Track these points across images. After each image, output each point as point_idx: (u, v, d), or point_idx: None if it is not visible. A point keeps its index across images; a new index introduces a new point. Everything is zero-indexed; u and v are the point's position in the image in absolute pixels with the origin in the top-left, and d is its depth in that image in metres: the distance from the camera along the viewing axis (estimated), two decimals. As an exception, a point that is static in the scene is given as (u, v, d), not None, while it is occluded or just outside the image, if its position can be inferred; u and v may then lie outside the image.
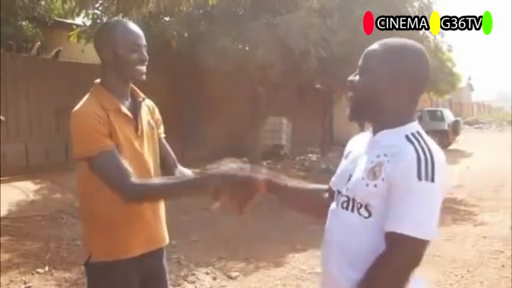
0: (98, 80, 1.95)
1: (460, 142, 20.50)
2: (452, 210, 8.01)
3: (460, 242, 6.00)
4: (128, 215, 1.83)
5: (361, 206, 1.38)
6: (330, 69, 10.44)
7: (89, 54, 10.30)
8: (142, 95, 2.01)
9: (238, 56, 9.35)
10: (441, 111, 21.41)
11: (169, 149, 2.11)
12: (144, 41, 1.91)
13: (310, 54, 8.99)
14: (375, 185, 1.34)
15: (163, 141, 2.09)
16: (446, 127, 19.81)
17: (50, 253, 5.22)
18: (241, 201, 1.64)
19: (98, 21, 9.84)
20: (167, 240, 2.06)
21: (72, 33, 10.43)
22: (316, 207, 1.65)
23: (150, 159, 1.94)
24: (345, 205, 1.44)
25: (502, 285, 4.61)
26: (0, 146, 8.97)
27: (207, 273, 4.71)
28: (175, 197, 1.98)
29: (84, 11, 8.81)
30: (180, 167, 2.09)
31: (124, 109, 1.88)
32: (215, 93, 12.62)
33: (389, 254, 1.29)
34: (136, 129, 1.91)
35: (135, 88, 2.00)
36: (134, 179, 1.74)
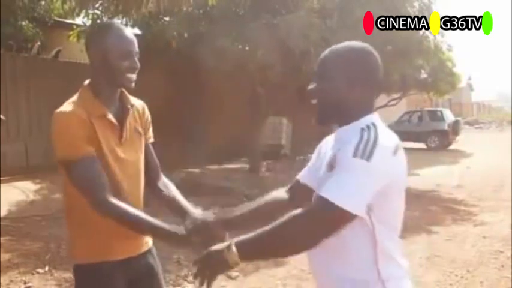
0: (87, 82, 1.88)
1: (460, 142, 20.50)
2: (452, 210, 8.01)
3: (460, 242, 6.00)
4: (108, 220, 1.78)
5: None
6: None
7: (88, 54, 10.31)
8: (132, 102, 1.93)
9: (238, 56, 9.35)
10: (441, 111, 21.42)
11: (154, 155, 2.05)
12: (136, 48, 1.84)
13: (310, 55, 8.98)
14: (331, 176, 1.42)
15: (150, 146, 2.04)
16: (446, 127, 19.82)
17: (50, 253, 5.22)
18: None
19: (98, 21, 9.84)
20: (150, 243, 2.02)
21: (71, 33, 10.43)
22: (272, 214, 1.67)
23: (133, 167, 1.90)
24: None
25: (502, 285, 4.61)
26: (0, 146, 8.97)
27: (207, 273, 4.71)
28: (139, 233, 1.86)
29: (84, 11, 8.81)
30: (163, 179, 2.05)
31: (109, 116, 1.82)
32: (215, 94, 12.62)
33: (306, 211, 1.37)
34: (120, 137, 1.85)
35: (125, 93, 1.92)
36: (108, 195, 1.71)
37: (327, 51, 1.55)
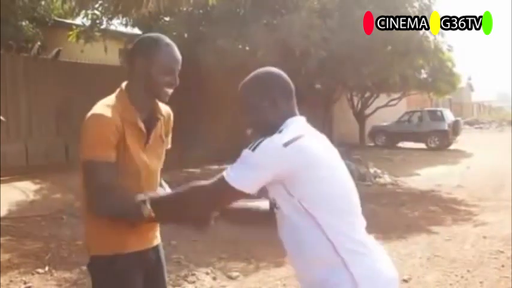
0: (124, 84, 1.95)
1: (460, 142, 20.50)
2: (452, 210, 8.01)
3: (460, 242, 6.00)
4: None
5: (274, 202, 1.69)
6: (330, 70, 10.45)
7: (88, 54, 10.32)
8: (162, 113, 2.01)
9: (238, 56, 9.36)
10: (441, 112, 21.41)
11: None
12: (179, 66, 1.92)
13: (310, 55, 9.00)
14: None
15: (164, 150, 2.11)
16: (446, 127, 19.82)
17: (50, 253, 5.22)
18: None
19: (98, 21, 9.85)
20: (159, 239, 2.10)
21: (71, 33, 10.44)
22: (255, 218, 1.99)
23: (153, 173, 1.98)
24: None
25: (502, 285, 4.60)
26: (0, 146, 8.97)
27: (207, 273, 4.71)
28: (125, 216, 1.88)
29: (83, 11, 8.82)
30: (163, 183, 2.11)
31: (140, 124, 1.89)
32: (215, 94, 12.62)
33: (206, 183, 1.67)
34: (146, 143, 1.93)
35: (157, 103, 1.99)
36: (111, 202, 1.78)
37: (240, 86, 1.79)
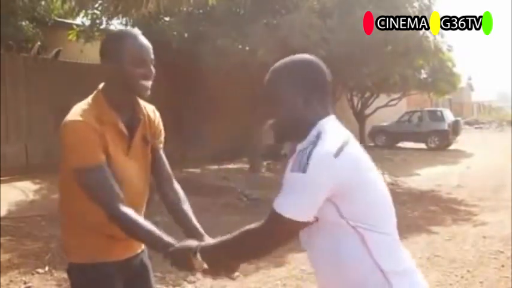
0: (101, 86, 1.87)
1: (460, 142, 20.50)
2: (452, 210, 8.01)
3: (460, 242, 6.00)
4: (104, 221, 1.77)
5: None
6: (330, 69, 10.42)
7: (88, 54, 10.31)
8: (144, 112, 1.93)
9: (238, 56, 9.35)
10: (441, 111, 21.41)
11: (166, 161, 2.02)
12: (151, 56, 1.84)
13: (311, 54, 8.98)
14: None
15: (161, 154, 2.01)
16: (446, 127, 19.82)
17: (50, 253, 5.21)
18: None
19: (97, 21, 9.85)
20: (143, 246, 2.01)
21: (70, 32, 10.44)
22: None
23: (137, 176, 1.89)
24: None
25: (502, 285, 4.61)
26: (0, 146, 8.97)
27: (207, 273, 4.71)
28: (142, 242, 1.87)
29: (83, 11, 8.82)
30: (176, 189, 1.99)
31: (121, 125, 1.82)
32: (215, 94, 12.61)
33: (260, 224, 1.48)
34: (129, 146, 1.86)
35: (139, 102, 1.92)
36: (121, 203, 1.72)
37: (268, 73, 1.58)
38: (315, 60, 1.58)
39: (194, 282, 4.52)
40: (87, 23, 10.28)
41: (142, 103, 1.94)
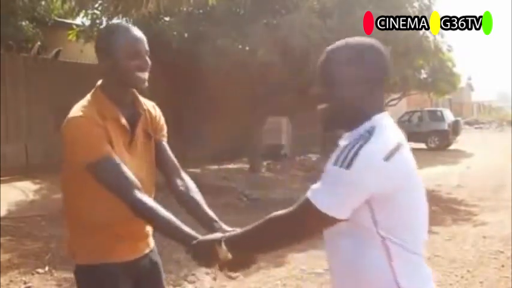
0: (99, 83, 1.86)
1: (460, 142, 20.50)
2: (452, 210, 8.01)
3: (460, 242, 6.00)
4: (112, 220, 1.77)
5: None
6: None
7: (88, 54, 10.30)
8: (144, 107, 1.91)
9: (238, 56, 9.35)
10: (441, 111, 21.43)
11: (171, 154, 1.99)
12: (146, 47, 1.82)
13: (310, 55, 8.98)
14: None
15: (165, 145, 1.98)
16: (446, 127, 19.83)
17: (50, 253, 5.22)
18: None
19: (97, 21, 9.85)
20: (152, 245, 2.00)
21: (70, 32, 10.44)
22: None
23: (141, 171, 1.85)
24: None
25: (502, 285, 4.61)
26: (0, 146, 8.97)
27: (207, 273, 4.71)
28: (160, 232, 1.79)
29: (83, 11, 8.82)
30: (185, 180, 1.97)
31: (123, 120, 1.80)
32: (215, 94, 12.61)
33: (289, 211, 1.40)
34: (131, 141, 1.83)
35: (139, 97, 1.91)
36: (140, 192, 1.69)
37: (329, 52, 1.46)
38: (383, 48, 1.46)
39: (194, 282, 4.52)
40: (87, 23, 10.28)
41: (142, 99, 1.93)
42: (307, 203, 1.34)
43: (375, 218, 1.35)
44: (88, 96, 1.83)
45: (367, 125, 1.39)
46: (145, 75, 1.81)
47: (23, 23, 11.01)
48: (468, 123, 34.64)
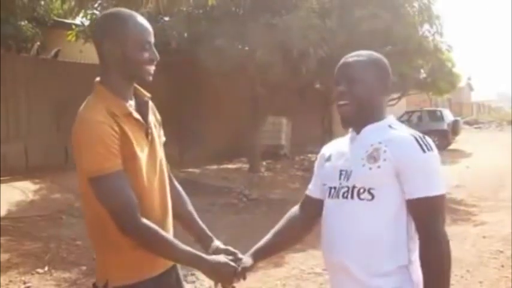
0: (98, 79, 1.69)
1: (460, 142, 20.49)
2: (452, 210, 8.00)
3: (460, 242, 5.99)
4: None
5: (363, 190, 1.56)
6: (330, 70, 10.43)
7: (87, 54, 10.31)
8: (147, 94, 1.77)
9: (237, 56, 9.36)
10: (441, 111, 21.41)
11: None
12: (153, 38, 1.69)
13: (310, 55, 8.99)
14: (378, 166, 1.56)
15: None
16: (445, 127, 19.81)
17: (50, 253, 5.22)
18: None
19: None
20: None
21: (69, 32, 10.44)
22: (292, 239, 1.92)
23: (163, 167, 1.75)
24: (345, 195, 1.60)
25: (502, 285, 4.61)
26: (0, 146, 8.97)
27: (207, 273, 4.70)
28: (166, 258, 1.71)
29: (83, 11, 8.81)
30: (175, 186, 1.89)
31: (135, 114, 1.65)
32: (215, 93, 12.62)
33: (436, 214, 1.65)
34: (147, 134, 1.68)
35: (138, 86, 1.76)
36: (139, 215, 1.57)
37: (356, 57, 1.67)
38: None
39: (194, 282, 4.52)
40: (87, 23, 10.28)
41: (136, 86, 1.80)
42: (438, 196, 1.58)
43: (403, 189, 1.56)
44: (91, 97, 1.67)
45: (385, 121, 1.67)
46: (153, 68, 1.70)
47: (23, 23, 11.01)
48: (468, 123, 34.61)
